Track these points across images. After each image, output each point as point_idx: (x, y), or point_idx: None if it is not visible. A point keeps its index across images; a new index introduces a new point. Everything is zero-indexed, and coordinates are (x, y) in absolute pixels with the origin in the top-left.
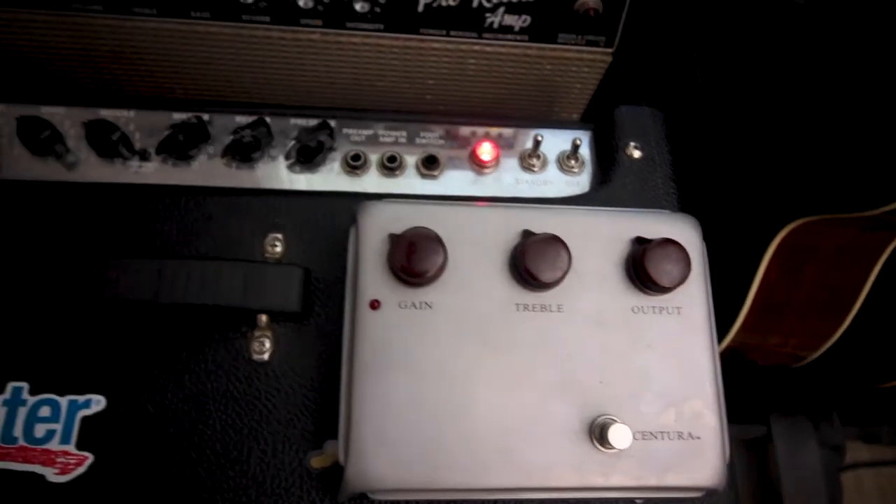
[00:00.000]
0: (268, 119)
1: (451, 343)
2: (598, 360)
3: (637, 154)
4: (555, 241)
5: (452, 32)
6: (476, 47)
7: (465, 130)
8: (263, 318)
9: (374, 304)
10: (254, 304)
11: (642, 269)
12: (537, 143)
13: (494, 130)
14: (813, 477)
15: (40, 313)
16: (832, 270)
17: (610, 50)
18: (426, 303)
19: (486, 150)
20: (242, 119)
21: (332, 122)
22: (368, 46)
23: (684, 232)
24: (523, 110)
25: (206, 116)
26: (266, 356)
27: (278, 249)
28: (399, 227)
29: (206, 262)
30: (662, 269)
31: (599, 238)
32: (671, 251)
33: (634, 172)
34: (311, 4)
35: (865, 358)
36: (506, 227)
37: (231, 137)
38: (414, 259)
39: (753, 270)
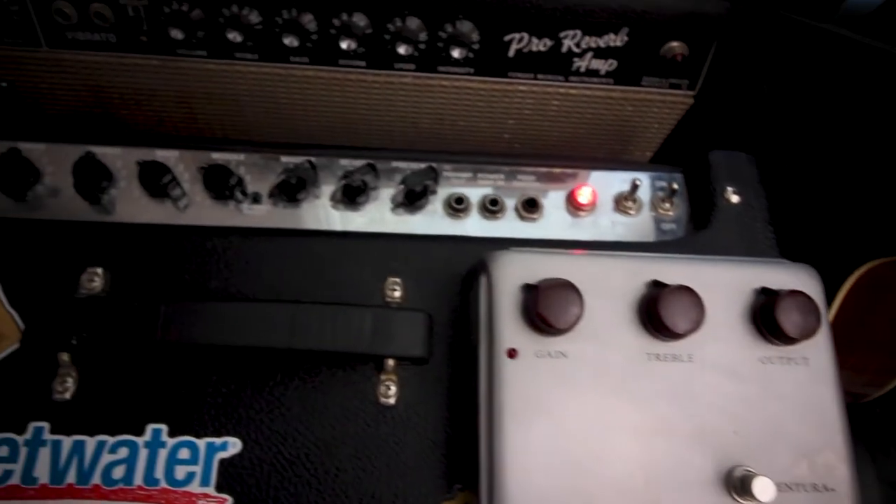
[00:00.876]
0: (375, 163)
1: (588, 392)
2: (730, 411)
3: (735, 199)
4: (689, 292)
5: (540, 76)
6: (561, 90)
7: (561, 172)
8: (391, 362)
9: (512, 353)
10: (383, 350)
11: (772, 320)
12: (635, 187)
13: (588, 172)
14: None
15: (171, 356)
16: None
17: (692, 93)
18: (561, 352)
19: (585, 194)
20: (346, 162)
21: (434, 166)
22: (457, 89)
23: (808, 283)
24: (596, 150)
25: (313, 160)
26: (392, 400)
27: (398, 294)
28: (532, 277)
29: (337, 307)
30: (793, 320)
31: (725, 288)
32: (801, 303)
33: (733, 218)
34: (410, 51)
35: None
36: (634, 277)
37: (343, 182)
38: (554, 311)
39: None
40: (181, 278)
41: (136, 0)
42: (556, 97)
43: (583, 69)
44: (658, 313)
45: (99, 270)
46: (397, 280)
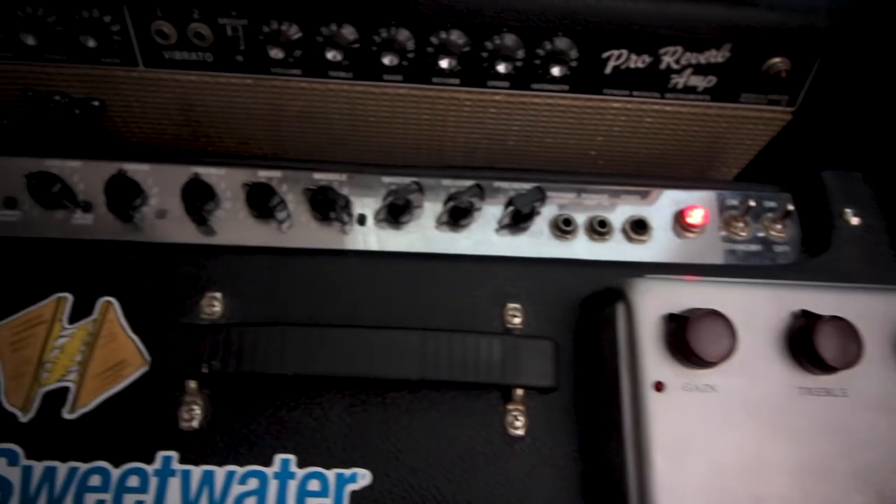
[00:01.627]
0: (481, 183)
1: (740, 428)
2: (890, 448)
3: (855, 221)
4: (845, 324)
5: (635, 93)
6: (656, 106)
7: (667, 192)
8: (519, 392)
9: (659, 387)
10: (513, 379)
11: None
12: (748, 208)
13: (696, 192)
14: None
15: (298, 384)
16: None
17: (791, 109)
18: (710, 385)
19: (696, 215)
20: (449, 182)
21: (541, 186)
22: (550, 106)
23: None
24: (681, 167)
25: (419, 181)
26: (521, 431)
27: (517, 320)
28: (675, 306)
29: (465, 335)
30: None
31: (874, 319)
32: None
33: (854, 240)
34: (507, 69)
35: None
36: (782, 306)
37: (452, 203)
38: (705, 343)
39: None
40: (298, 303)
41: (236, 20)
42: (650, 114)
43: (680, 86)
44: (814, 346)
45: (218, 295)
46: (517, 306)
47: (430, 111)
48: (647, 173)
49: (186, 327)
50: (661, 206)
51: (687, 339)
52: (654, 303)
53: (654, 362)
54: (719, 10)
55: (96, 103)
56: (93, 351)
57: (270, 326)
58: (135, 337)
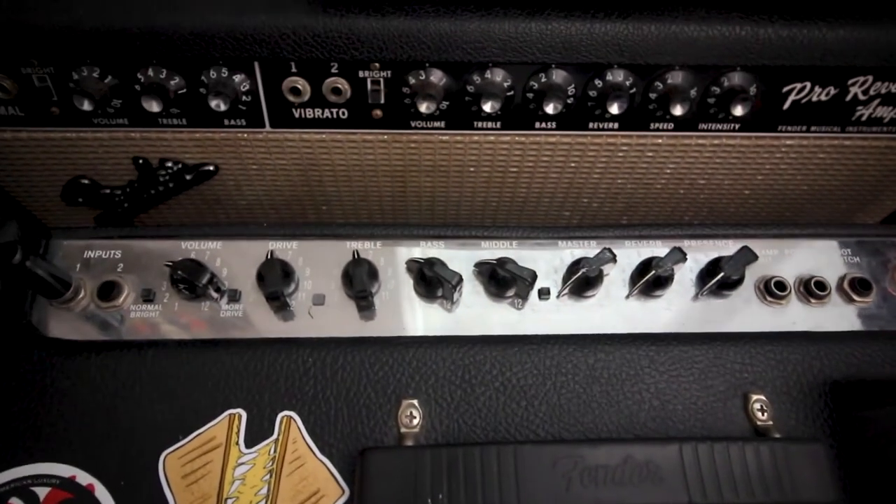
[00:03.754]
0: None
1: None
2: None
3: None
4: None
5: (814, 127)
6: (835, 141)
7: (879, 246)
8: None
9: None
10: (789, 497)
11: None
12: None
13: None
14: None
15: None
16: None
17: None
18: None
19: None
20: (632, 245)
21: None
22: (715, 147)
23: None
24: (834, 206)
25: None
26: None
27: (766, 415)
28: None
29: (729, 444)
30: None
31: None
32: None
33: None
34: (683, 110)
35: None
36: None
37: (654, 272)
38: None
39: None
40: (500, 404)
41: (378, 73)
42: (825, 149)
43: (865, 118)
44: None
45: (415, 402)
46: (762, 398)
47: (579, 157)
48: (820, 220)
49: (392, 450)
50: (872, 261)
51: None
52: None
53: None
54: None
55: (211, 168)
56: (279, 481)
57: (500, 444)
58: (325, 460)
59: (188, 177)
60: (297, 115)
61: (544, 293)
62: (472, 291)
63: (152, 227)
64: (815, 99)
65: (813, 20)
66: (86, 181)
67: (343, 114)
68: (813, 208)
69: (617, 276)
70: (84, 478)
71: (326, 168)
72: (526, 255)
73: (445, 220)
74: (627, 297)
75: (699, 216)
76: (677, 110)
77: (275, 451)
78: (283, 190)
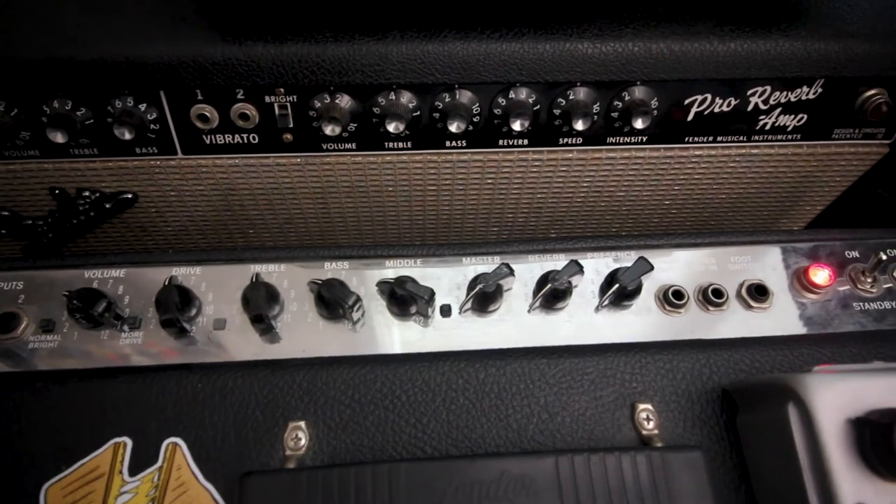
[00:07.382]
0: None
1: None
2: None
3: None
4: None
5: (720, 138)
6: (742, 150)
7: (773, 250)
8: None
9: None
10: None
11: None
12: (878, 262)
13: (812, 245)
14: None
15: None
16: None
17: (888, 141)
18: None
19: (821, 276)
20: (535, 259)
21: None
22: (626, 160)
23: None
24: (756, 213)
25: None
26: None
27: (651, 424)
28: (860, 408)
29: (602, 454)
30: None
31: None
32: None
33: None
34: (585, 125)
35: None
36: None
37: (551, 286)
38: None
39: None
40: (389, 424)
41: (284, 98)
42: (735, 158)
43: (768, 126)
44: None
45: (301, 424)
46: (648, 407)
47: (494, 174)
48: (745, 228)
49: (271, 474)
50: (773, 265)
51: (895, 447)
52: (836, 405)
53: (851, 479)
54: (813, 45)
55: (129, 196)
56: None
57: (375, 464)
58: (209, 486)
59: (107, 205)
60: (207, 141)
61: (446, 310)
62: (375, 311)
63: (56, 257)
64: (717, 110)
65: (705, 35)
66: (6, 213)
67: (254, 138)
68: (735, 216)
69: (520, 291)
70: None
71: (245, 193)
72: (430, 272)
73: (374, 239)
74: (529, 311)
75: (625, 227)
76: (580, 125)
77: (158, 479)
78: (206, 215)
